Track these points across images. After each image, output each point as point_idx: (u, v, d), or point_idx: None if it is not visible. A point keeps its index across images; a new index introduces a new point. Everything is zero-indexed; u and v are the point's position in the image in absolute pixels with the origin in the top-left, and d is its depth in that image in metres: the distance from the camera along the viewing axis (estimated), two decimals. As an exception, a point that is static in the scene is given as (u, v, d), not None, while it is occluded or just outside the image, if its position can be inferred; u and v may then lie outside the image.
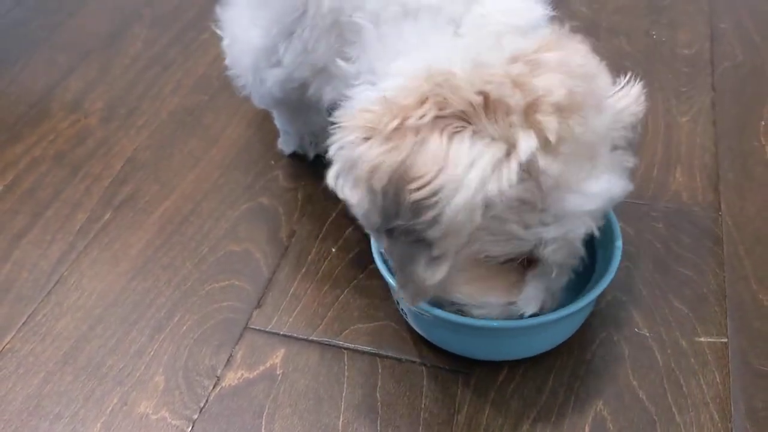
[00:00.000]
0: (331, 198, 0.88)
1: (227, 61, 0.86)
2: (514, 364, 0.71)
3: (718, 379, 0.69)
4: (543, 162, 0.53)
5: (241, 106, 1.03)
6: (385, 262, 0.69)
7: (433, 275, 0.56)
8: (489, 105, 0.52)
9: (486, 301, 0.64)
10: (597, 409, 0.67)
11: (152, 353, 0.73)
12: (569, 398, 0.68)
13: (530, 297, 0.64)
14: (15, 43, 1.19)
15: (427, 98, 0.52)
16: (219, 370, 0.72)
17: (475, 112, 0.52)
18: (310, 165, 0.93)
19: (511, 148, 0.52)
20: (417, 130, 0.52)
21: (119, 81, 1.10)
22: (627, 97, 0.61)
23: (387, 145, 0.52)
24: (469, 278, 0.62)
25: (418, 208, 0.52)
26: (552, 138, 0.52)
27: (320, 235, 0.85)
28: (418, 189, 0.51)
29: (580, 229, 0.58)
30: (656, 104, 1.00)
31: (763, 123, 0.97)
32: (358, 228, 0.85)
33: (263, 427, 0.67)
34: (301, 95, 0.77)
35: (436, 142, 0.51)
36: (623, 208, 0.84)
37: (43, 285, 0.81)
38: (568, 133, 0.53)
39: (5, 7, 1.27)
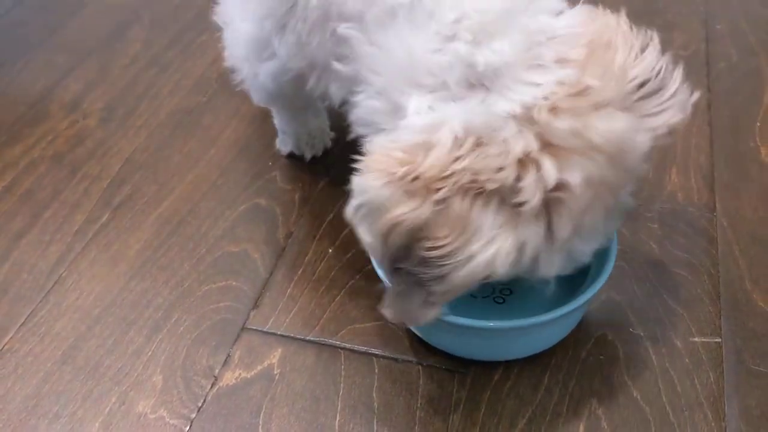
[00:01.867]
0: (329, 199, 0.89)
1: (226, 53, 0.87)
2: (510, 364, 0.71)
3: (712, 379, 0.69)
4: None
5: (240, 107, 1.03)
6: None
7: (426, 315, 0.59)
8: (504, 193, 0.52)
9: None
10: (592, 408, 0.68)
11: (150, 353, 0.74)
12: (564, 397, 0.69)
13: None
14: (14, 43, 1.19)
15: (452, 173, 0.51)
16: (217, 370, 0.72)
17: (499, 189, 0.52)
18: (308, 166, 0.94)
19: (525, 238, 0.54)
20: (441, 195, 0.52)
21: (118, 82, 1.10)
22: (667, 111, 0.56)
23: (409, 203, 0.51)
24: None
25: (427, 262, 0.52)
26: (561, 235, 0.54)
27: (317, 236, 0.85)
28: (432, 249, 0.51)
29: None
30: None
31: (758, 124, 0.98)
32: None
33: (260, 426, 0.67)
34: (296, 89, 0.77)
35: (457, 205, 0.51)
36: (619, 208, 0.85)
37: (41, 285, 0.81)
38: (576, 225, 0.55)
39: (4, 7, 1.28)
